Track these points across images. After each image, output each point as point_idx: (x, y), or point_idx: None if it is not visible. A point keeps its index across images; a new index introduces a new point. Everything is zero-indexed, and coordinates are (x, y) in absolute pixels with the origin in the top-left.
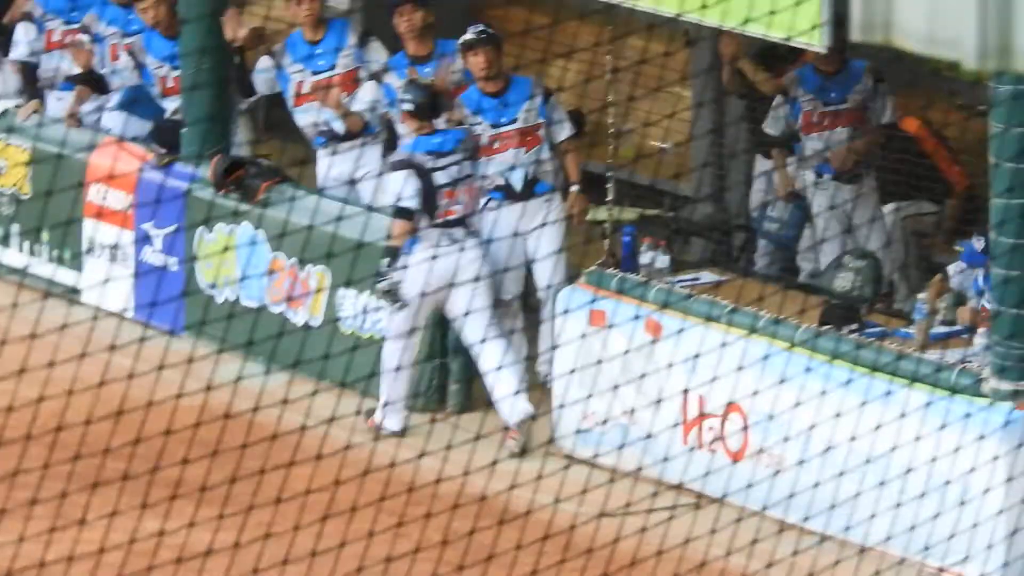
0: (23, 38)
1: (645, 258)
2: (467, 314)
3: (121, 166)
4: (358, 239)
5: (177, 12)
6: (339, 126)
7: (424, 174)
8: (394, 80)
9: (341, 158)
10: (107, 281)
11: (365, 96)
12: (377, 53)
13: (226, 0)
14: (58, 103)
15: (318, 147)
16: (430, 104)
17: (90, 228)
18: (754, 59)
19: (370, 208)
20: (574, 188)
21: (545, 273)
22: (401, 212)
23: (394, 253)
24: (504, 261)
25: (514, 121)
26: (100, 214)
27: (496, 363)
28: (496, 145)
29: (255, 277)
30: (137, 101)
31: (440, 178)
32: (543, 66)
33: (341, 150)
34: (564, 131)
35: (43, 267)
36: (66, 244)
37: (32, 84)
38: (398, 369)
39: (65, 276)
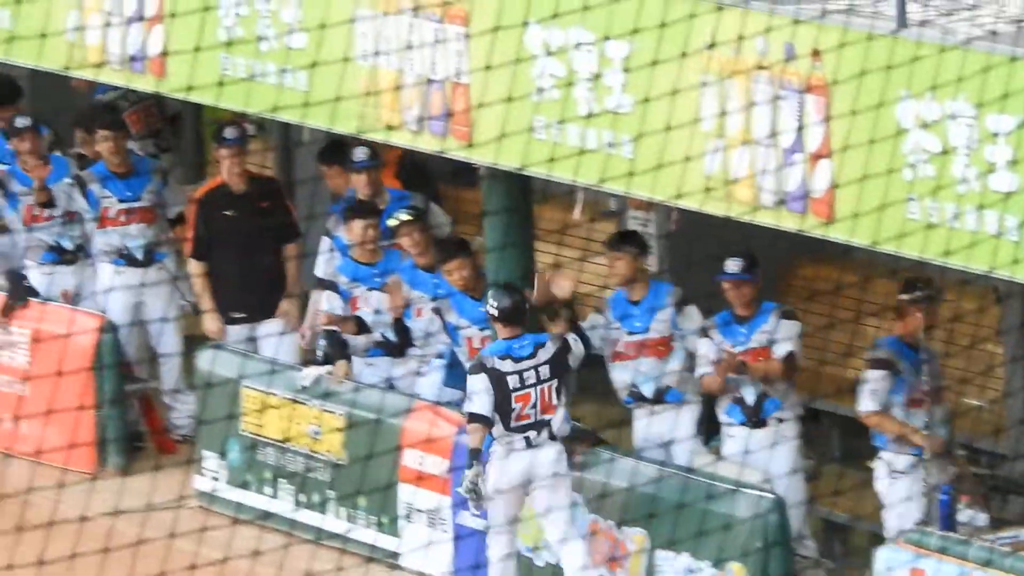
0: (327, 307)
1: (963, 516)
2: (548, 512)
3: (437, 431)
4: (677, 500)
5: (483, 275)
6: (648, 388)
7: (499, 377)
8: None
9: (658, 419)
10: (429, 544)
11: (676, 362)
12: (691, 321)
13: (533, 263)
14: (368, 368)
15: (632, 407)
16: (515, 310)
17: (407, 493)
18: None
19: (688, 470)
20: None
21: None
22: (473, 417)
23: (476, 455)
24: None
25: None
26: (418, 479)
27: (580, 564)
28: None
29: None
30: (452, 366)
31: (513, 382)
32: (856, 323)
33: (656, 412)
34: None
35: (362, 532)
36: (384, 510)
37: (341, 350)
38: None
39: (385, 541)
